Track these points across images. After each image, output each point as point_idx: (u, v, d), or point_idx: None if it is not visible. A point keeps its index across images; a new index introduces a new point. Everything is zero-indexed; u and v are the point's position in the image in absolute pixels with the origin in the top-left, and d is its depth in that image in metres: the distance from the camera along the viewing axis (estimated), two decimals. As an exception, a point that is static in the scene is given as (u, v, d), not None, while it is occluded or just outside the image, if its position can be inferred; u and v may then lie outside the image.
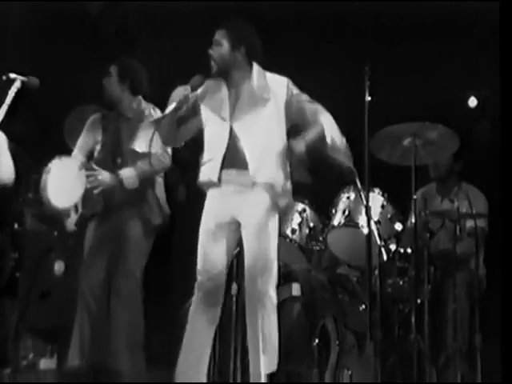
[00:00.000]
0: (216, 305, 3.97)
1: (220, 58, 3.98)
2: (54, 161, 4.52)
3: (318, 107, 4.06)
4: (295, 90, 4.06)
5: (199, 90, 4.04)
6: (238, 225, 3.95)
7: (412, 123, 4.43)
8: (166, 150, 4.60)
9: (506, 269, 3.83)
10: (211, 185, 4.00)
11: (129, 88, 4.76)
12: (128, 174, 4.57)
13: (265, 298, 3.82)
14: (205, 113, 4.05)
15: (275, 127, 4.00)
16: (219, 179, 3.96)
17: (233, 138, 3.97)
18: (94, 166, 4.62)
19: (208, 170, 4.01)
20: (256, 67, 4.08)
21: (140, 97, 4.80)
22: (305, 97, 4.07)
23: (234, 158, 3.95)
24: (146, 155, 4.42)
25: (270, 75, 4.09)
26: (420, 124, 4.42)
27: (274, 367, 3.81)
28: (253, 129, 3.97)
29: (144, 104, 4.77)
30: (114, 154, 4.73)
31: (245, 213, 3.92)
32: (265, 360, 3.81)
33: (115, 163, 4.69)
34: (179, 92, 3.95)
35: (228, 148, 3.96)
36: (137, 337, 4.60)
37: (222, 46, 3.99)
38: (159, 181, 4.79)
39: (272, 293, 3.85)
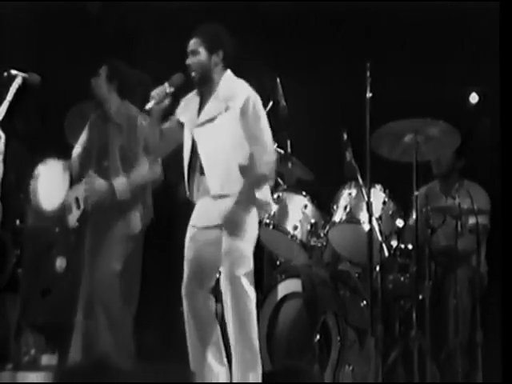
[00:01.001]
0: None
1: (199, 67, 3.97)
2: (40, 166, 4.57)
3: (259, 138, 3.96)
4: (257, 107, 3.98)
5: (180, 106, 4.08)
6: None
7: (413, 119, 4.43)
8: (157, 161, 4.63)
9: (506, 265, 3.83)
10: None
11: (116, 90, 4.75)
12: (121, 185, 4.60)
13: (235, 282, 3.85)
14: (183, 124, 4.08)
15: (233, 135, 3.95)
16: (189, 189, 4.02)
17: (195, 145, 4.00)
18: (91, 173, 4.63)
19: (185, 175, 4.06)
20: (228, 73, 4.05)
21: (127, 101, 4.78)
22: (259, 120, 3.98)
23: (196, 164, 4.01)
24: (137, 164, 4.57)
25: (240, 83, 4.04)
26: (421, 120, 4.41)
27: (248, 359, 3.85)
28: (210, 136, 3.97)
29: (134, 111, 4.74)
30: (100, 155, 4.73)
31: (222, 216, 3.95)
32: (236, 349, 3.86)
33: (100, 165, 4.70)
34: (158, 90, 3.97)
35: (191, 157, 4.00)
36: (121, 328, 4.61)
37: (199, 54, 3.98)
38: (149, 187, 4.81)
39: (244, 279, 3.87)
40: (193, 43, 4.00)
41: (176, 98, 4.09)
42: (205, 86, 4.02)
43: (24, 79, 3.91)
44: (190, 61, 3.98)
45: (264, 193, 3.99)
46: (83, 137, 4.92)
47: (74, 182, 4.89)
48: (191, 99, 4.10)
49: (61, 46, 5.90)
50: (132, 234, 4.69)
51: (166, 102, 4.00)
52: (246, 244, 3.94)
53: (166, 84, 3.98)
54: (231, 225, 3.91)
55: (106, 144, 4.72)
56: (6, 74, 3.92)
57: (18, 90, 3.90)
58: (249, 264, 3.92)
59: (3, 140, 4.68)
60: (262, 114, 4.01)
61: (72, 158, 4.90)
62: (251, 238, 3.97)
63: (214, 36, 4.01)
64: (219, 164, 3.94)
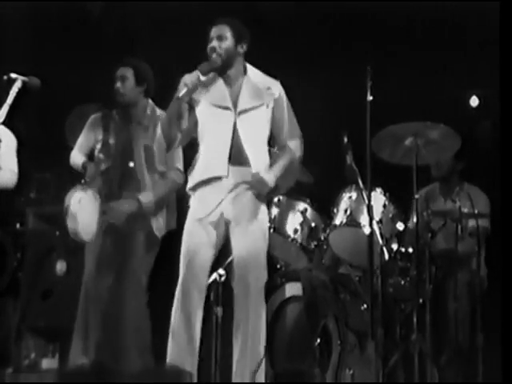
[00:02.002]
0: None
1: (225, 52, 4.01)
2: (76, 194, 4.50)
3: (297, 129, 4.17)
4: (285, 98, 4.15)
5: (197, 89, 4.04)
6: (227, 222, 3.97)
7: (413, 123, 4.42)
8: (180, 168, 4.63)
9: (506, 268, 3.82)
10: (216, 180, 3.98)
11: (144, 92, 4.74)
12: (147, 199, 4.58)
13: (257, 295, 3.82)
14: (203, 106, 4.04)
15: (268, 124, 4.08)
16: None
17: (236, 130, 3.98)
18: (112, 205, 4.57)
19: (214, 164, 3.99)
20: (249, 65, 4.13)
21: (151, 101, 4.78)
22: (292, 112, 4.17)
23: (235, 153, 3.98)
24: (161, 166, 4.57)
25: (262, 74, 4.15)
26: (421, 124, 4.41)
27: (256, 367, 3.83)
28: (254, 123, 4.01)
29: (158, 111, 4.73)
30: (124, 156, 4.69)
31: (234, 210, 3.93)
32: (250, 357, 3.86)
33: (126, 166, 4.67)
34: (189, 77, 3.96)
35: (232, 141, 3.98)
36: (145, 339, 4.62)
37: (226, 40, 4.02)
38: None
39: (262, 289, 3.85)
40: (219, 29, 4.05)
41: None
42: (224, 72, 4.04)
43: (24, 83, 3.90)
44: (215, 44, 4.01)
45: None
46: (81, 138, 4.90)
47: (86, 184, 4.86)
48: (211, 82, 4.06)
49: (61, 49, 5.90)
50: (156, 240, 4.68)
51: (198, 90, 3.98)
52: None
53: (198, 72, 3.96)
54: (259, 184, 3.96)
55: (130, 145, 4.69)
56: (5, 77, 3.91)
57: (18, 93, 3.90)
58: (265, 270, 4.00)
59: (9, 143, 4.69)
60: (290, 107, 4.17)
61: (76, 161, 4.86)
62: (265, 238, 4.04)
63: (242, 27, 4.10)
64: (262, 152, 4.03)
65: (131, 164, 4.66)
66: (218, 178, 3.97)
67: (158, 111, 4.73)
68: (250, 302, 3.86)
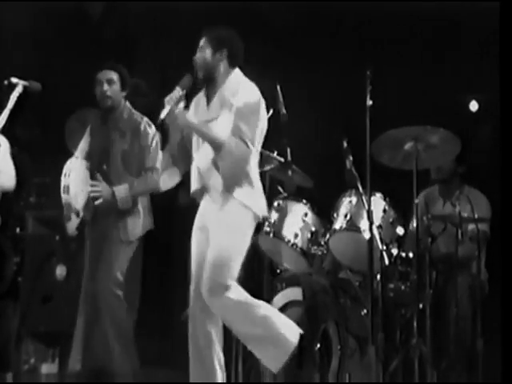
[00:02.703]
0: None
1: (203, 63, 3.99)
2: (69, 163, 4.59)
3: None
4: (254, 110, 3.95)
5: (190, 108, 4.04)
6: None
7: (413, 127, 4.43)
8: (158, 170, 4.65)
9: (506, 273, 3.82)
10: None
11: (124, 97, 4.78)
12: (122, 193, 4.62)
13: (220, 289, 3.81)
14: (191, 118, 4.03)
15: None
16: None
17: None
18: (98, 177, 4.63)
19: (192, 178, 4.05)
20: (236, 71, 4.05)
21: (128, 104, 4.80)
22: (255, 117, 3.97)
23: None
24: (138, 172, 4.62)
25: (246, 83, 4.02)
26: (421, 128, 4.42)
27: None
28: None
29: (136, 116, 4.76)
30: (100, 159, 4.73)
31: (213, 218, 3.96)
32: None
33: (100, 169, 4.70)
34: (171, 95, 3.92)
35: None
36: (127, 336, 4.63)
37: (204, 52, 4.00)
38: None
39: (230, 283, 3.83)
40: (201, 41, 4.05)
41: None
42: (210, 84, 4.03)
43: (25, 87, 3.91)
44: (195, 57, 4.02)
45: None
46: (83, 143, 4.93)
47: None
48: (200, 99, 4.09)
49: (61, 53, 5.91)
50: (131, 241, 4.69)
51: (181, 105, 3.98)
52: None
53: (178, 88, 3.96)
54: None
55: (107, 149, 4.72)
56: (6, 82, 3.92)
57: (19, 97, 3.90)
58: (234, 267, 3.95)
59: (3, 147, 4.70)
60: (256, 119, 3.95)
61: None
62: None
63: (219, 35, 4.04)
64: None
65: (105, 167, 4.68)
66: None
67: (135, 114, 4.77)
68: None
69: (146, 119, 4.76)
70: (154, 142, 4.72)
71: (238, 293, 3.85)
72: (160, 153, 4.69)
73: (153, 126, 4.71)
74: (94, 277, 4.62)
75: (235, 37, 4.08)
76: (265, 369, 4.21)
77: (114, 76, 4.72)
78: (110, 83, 4.70)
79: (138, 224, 4.72)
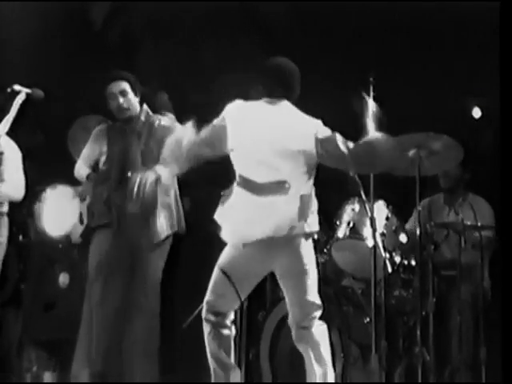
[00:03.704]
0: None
1: None
2: (48, 190, 4.54)
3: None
4: None
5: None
6: None
7: (416, 134, 4.42)
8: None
9: (507, 280, 3.80)
10: None
11: (139, 101, 4.74)
12: (162, 170, 4.45)
13: None
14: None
15: None
16: None
17: None
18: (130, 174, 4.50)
19: None
20: None
21: (146, 107, 4.78)
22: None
23: None
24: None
25: None
26: (424, 135, 4.41)
27: None
28: None
29: (153, 117, 4.73)
30: (122, 166, 4.68)
31: None
32: None
33: (124, 176, 4.67)
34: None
35: None
36: (153, 348, 4.59)
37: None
38: (173, 190, 4.75)
39: None
40: None
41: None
42: None
43: (27, 94, 3.91)
44: None
45: None
46: (86, 150, 4.91)
47: (85, 196, 4.86)
48: None
49: (64, 60, 5.92)
50: (162, 240, 4.61)
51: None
52: None
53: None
54: None
55: (126, 155, 4.67)
56: (9, 89, 3.92)
57: (22, 105, 3.91)
58: None
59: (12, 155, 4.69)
60: None
61: (81, 173, 4.87)
62: None
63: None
64: None
65: (129, 174, 4.64)
66: None
67: (153, 116, 4.73)
68: None
69: (163, 118, 4.72)
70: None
71: None
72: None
73: (169, 123, 4.65)
74: (131, 287, 4.54)
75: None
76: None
77: (126, 86, 4.65)
78: (124, 94, 4.64)
79: (166, 224, 4.64)
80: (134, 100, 4.68)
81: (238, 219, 3.73)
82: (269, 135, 3.77)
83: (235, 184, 3.79)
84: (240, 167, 3.80)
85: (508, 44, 3.95)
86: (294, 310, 3.80)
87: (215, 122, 3.83)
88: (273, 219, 3.68)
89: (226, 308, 3.78)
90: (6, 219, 4.74)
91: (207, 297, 3.81)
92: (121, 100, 4.65)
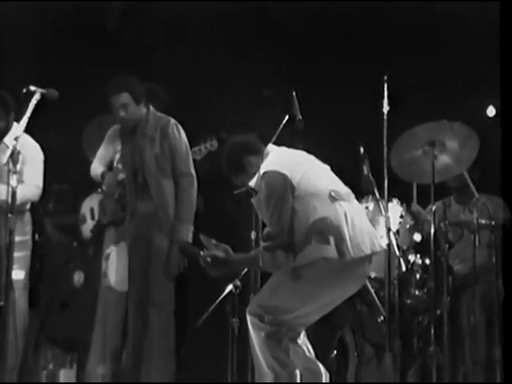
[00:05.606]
0: None
1: None
2: (112, 246, 4.59)
3: None
4: None
5: None
6: None
7: (428, 123, 4.38)
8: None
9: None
10: None
11: (145, 105, 4.69)
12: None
13: None
14: None
15: None
16: None
17: None
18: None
19: None
20: None
21: (153, 109, 4.73)
22: None
23: None
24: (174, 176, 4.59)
25: None
26: (437, 124, 4.37)
27: None
28: None
29: (163, 118, 4.70)
30: (135, 169, 4.68)
31: None
32: None
33: (136, 181, 4.68)
34: None
35: None
36: (170, 346, 4.60)
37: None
38: None
39: None
40: None
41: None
42: None
43: (42, 95, 3.93)
44: None
45: None
46: (101, 150, 4.93)
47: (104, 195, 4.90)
48: None
49: (78, 61, 5.94)
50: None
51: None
52: None
53: None
54: None
55: (140, 157, 4.66)
56: (25, 90, 3.94)
57: (37, 105, 3.92)
58: None
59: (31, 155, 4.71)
60: None
61: (97, 172, 4.89)
62: None
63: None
64: None
65: (140, 179, 4.64)
66: None
67: (162, 117, 4.69)
68: None
69: (173, 120, 4.68)
70: (183, 144, 4.65)
71: None
72: (191, 156, 4.67)
73: (180, 127, 4.66)
74: (147, 285, 4.54)
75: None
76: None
77: (126, 98, 4.56)
78: (125, 108, 4.57)
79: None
80: (135, 111, 4.61)
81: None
82: None
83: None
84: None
85: (508, 44, 3.92)
86: None
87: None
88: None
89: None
90: (28, 216, 4.78)
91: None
92: (122, 114, 4.59)
